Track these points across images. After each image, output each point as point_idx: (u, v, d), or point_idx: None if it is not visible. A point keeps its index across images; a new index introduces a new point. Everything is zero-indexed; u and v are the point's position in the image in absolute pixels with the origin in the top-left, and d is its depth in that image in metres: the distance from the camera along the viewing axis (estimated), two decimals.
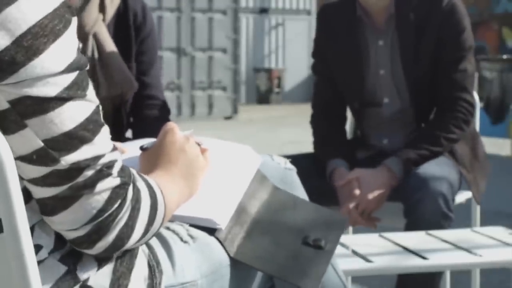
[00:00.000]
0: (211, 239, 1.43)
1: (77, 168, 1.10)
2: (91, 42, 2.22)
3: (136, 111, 2.37)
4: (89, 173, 1.11)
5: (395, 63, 2.66)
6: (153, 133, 1.98)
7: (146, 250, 1.31)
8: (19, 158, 1.10)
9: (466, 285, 2.98)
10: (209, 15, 13.38)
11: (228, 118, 13.48)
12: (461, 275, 3.17)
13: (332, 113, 2.79)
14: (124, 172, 1.17)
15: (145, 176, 1.27)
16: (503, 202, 5.34)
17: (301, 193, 1.75)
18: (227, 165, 1.59)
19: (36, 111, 1.07)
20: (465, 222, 2.72)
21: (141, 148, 1.48)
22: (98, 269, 1.21)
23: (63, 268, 1.18)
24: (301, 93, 16.85)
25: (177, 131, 1.45)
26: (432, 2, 2.61)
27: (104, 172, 1.13)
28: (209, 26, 13.38)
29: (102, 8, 2.24)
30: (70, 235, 1.16)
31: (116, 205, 1.15)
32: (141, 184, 1.22)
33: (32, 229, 1.15)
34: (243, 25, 16.21)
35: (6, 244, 1.07)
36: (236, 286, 1.45)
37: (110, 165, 1.14)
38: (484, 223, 2.86)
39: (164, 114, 2.40)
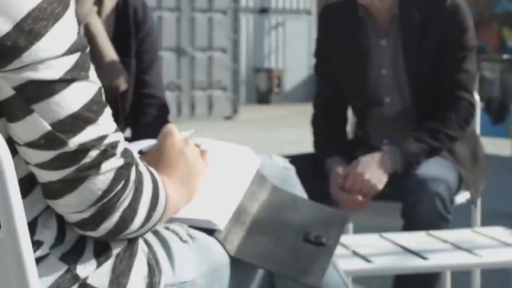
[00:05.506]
0: (211, 239, 1.43)
1: (84, 149, 1.11)
2: (81, 33, 2.23)
3: (135, 109, 2.37)
4: (94, 153, 1.12)
5: (397, 63, 2.66)
6: (151, 132, 1.98)
7: (146, 249, 1.31)
8: (26, 145, 1.10)
9: (467, 285, 2.97)
10: (209, 15, 13.37)
11: (228, 118, 13.47)
12: (462, 276, 3.16)
13: (333, 113, 2.80)
14: (127, 153, 1.18)
15: (146, 163, 1.27)
16: (503, 202, 5.34)
17: (300, 192, 1.75)
18: (227, 166, 1.59)
19: (42, 95, 1.08)
20: (466, 222, 2.72)
21: (140, 152, 1.46)
22: (97, 267, 1.21)
23: (63, 267, 1.18)
24: (301, 93, 16.85)
25: (177, 133, 1.44)
26: (436, 1, 2.61)
27: (108, 152, 1.14)
28: (209, 26, 13.38)
29: (98, 2, 2.25)
30: (75, 218, 1.16)
31: (120, 186, 1.16)
32: (143, 169, 1.23)
33: (33, 224, 1.16)
34: (243, 25, 16.20)
35: (4, 243, 1.06)
36: (236, 286, 1.45)
37: (114, 145, 1.15)
38: (484, 223, 2.86)
39: (163, 114, 2.40)
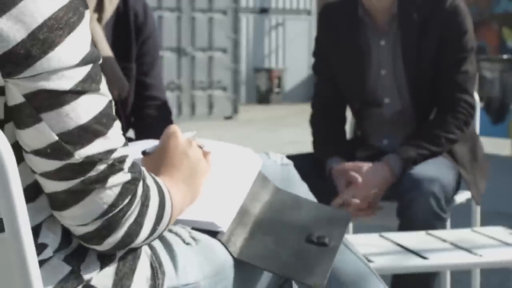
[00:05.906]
0: (214, 241, 1.42)
1: (91, 162, 1.10)
2: None
3: (137, 111, 2.37)
4: (101, 167, 1.12)
5: (396, 63, 2.66)
6: (154, 133, 1.98)
7: (149, 251, 1.31)
8: (33, 152, 1.10)
9: (466, 285, 2.98)
10: (209, 15, 13.36)
11: (228, 118, 13.46)
12: (461, 275, 3.17)
13: (332, 113, 2.80)
14: (134, 168, 1.18)
15: (153, 175, 1.27)
16: (503, 202, 5.34)
17: (301, 186, 1.74)
18: (229, 167, 1.59)
19: (51, 104, 1.07)
20: (465, 222, 2.72)
21: (143, 153, 1.47)
22: (101, 269, 1.22)
23: (67, 268, 1.18)
24: (301, 93, 16.84)
25: (180, 134, 1.44)
26: (435, 2, 2.61)
27: (116, 166, 1.13)
28: (209, 26, 13.37)
29: (99, 8, 2.23)
30: (79, 231, 1.16)
31: (126, 201, 1.15)
32: (150, 182, 1.23)
33: (38, 227, 1.16)
34: (243, 25, 16.19)
35: (7, 244, 1.07)
36: (240, 287, 1.45)
37: (121, 160, 1.14)
38: (484, 223, 2.86)
39: (165, 115, 2.40)
